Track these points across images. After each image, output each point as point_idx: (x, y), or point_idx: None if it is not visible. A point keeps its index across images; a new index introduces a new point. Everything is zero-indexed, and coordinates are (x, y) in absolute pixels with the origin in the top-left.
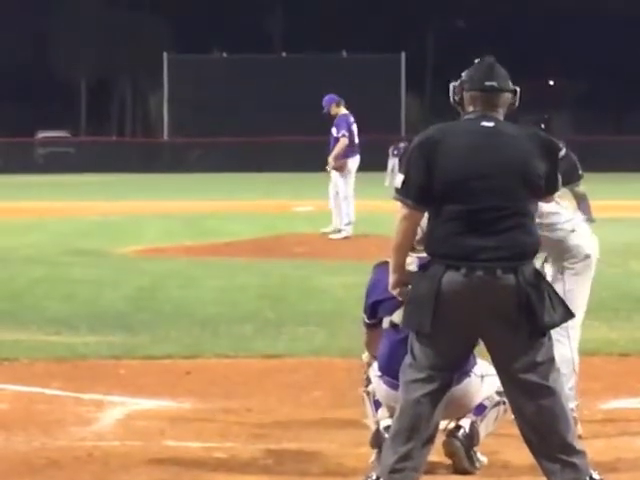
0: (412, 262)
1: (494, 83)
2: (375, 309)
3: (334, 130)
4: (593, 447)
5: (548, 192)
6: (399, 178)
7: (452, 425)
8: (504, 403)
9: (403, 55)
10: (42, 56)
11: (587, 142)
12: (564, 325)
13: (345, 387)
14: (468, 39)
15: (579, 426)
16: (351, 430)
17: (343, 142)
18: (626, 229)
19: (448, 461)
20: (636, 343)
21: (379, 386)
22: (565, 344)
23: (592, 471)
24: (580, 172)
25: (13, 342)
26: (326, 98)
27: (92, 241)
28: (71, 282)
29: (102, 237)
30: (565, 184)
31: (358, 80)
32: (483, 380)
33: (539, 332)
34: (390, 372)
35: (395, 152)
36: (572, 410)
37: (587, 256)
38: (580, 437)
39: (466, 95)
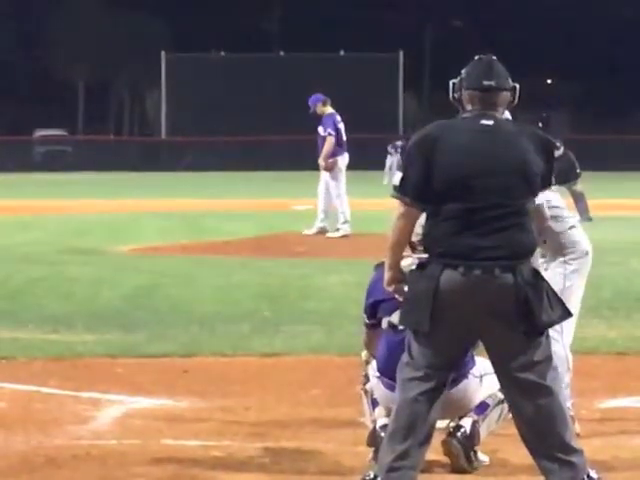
0: (413, 263)
1: (492, 82)
2: (375, 309)
3: (320, 129)
4: (591, 446)
5: (542, 189)
6: (397, 176)
7: (453, 424)
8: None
9: (401, 54)
10: (40, 55)
11: (585, 141)
12: None
13: (343, 385)
14: (466, 38)
15: (577, 424)
16: (349, 429)
17: (330, 141)
18: (625, 228)
19: (446, 460)
20: (635, 342)
21: (378, 387)
22: (559, 341)
23: (590, 470)
24: (578, 171)
25: (11, 340)
26: (312, 98)
27: (90, 239)
28: (69, 281)
29: (100, 235)
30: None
31: (356, 79)
32: (482, 380)
33: (537, 331)
34: (389, 373)
35: (392, 150)
36: (568, 409)
37: (586, 253)
38: (578, 435)
39: (465, 93)
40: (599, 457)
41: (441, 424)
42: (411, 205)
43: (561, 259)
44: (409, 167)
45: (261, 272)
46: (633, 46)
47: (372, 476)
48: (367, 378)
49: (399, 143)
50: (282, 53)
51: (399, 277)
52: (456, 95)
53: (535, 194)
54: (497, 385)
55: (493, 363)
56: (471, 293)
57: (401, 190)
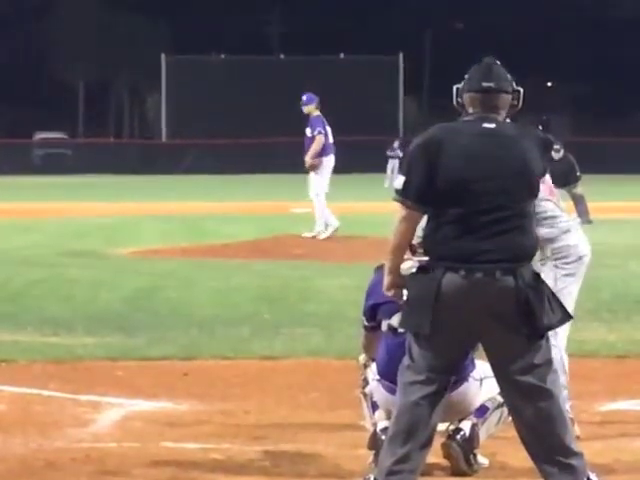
0: (413, 266)
1: (491, 84)
2: (374, 312)
3: (308, 130)
4: (591, 449)
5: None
6: (399, 179)
7: (452, 427)
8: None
9: (401, 56)
10: (40, 57)
11: (586, 144)
12: None
13: (342, 388)
14: (466, 40)
15: (576, 427)
16: (348, 432)
17: (319, 140)
18: (625, 230)
19: (445, 462)
20: (635, 345)
21: (378, 390)
22: (554, 344)
23: (590, 473)
24: (578, 174)
25: (11, 343)
26: (309, 96)
27: (89, 242)
28: (69, 283)
29: (99, 238)
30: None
31: (356, 82)
32: (482, 383)
33: (538, 334)
34: (389, 376)
35: (391, 153)
36: (567, 411)
37: (580, 257)
38: (578, 438)
39: (465, 96)
40: (599, 460)
41: (441, 427)
42: (413, 208)
43: (552, 263)
44: (411, 170)
45: (260, 275)
46: (634, 48)
47: (372, 479)
48: (366, 381)
49: (396, 144)
50: (282, 56)
51: (398, 281)
52: (460, 100)
53: (536, 196)
54: (497, 388)
55: (493, 366)
56: (472, 296)
57: (403, 193)
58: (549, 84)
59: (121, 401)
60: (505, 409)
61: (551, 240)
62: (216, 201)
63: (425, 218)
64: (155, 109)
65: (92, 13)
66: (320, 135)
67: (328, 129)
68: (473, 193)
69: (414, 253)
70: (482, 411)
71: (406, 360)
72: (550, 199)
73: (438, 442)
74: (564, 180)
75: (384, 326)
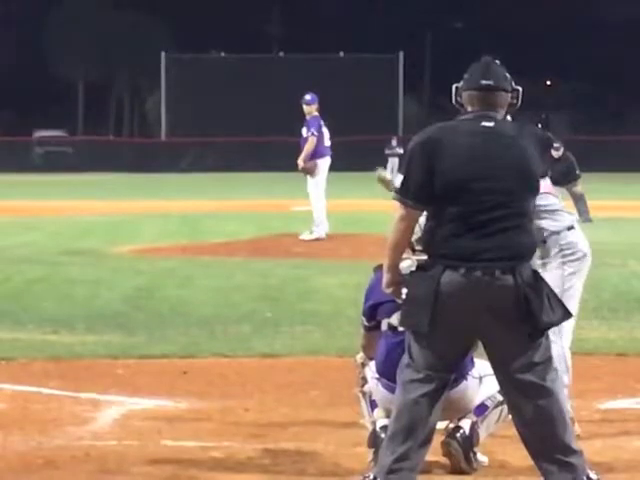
0: (412, 264)
1: (490, 82)
2: (374, 311)
3: (304, 130)
4: (591, 447)
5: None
6: (398, 178)
7: (452, 425)
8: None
9: (401, 55)
10: (40, 55)
11: (586, 142)
12: None
13: (342, 387)
14: (466, 39)
15: (577, 426)
16: (348, 430)
17: (312, 142)
18: (626, 229)
19: (445, 461)
20: (635, 343)
21: (377, 388)
22: (557, 342)
23: (589, 471)
24: (577, 172)
25: (10, 341)
26: (313, 96)
27: (89, 241)
28: (68, 282)
29: (99, 237)
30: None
31: (356, 80)
32: (481, 381)
33: (537, 332)
34: (388, 375)
35: (389, 151)
36: (568, 410)
37: (585, 254)
38: (578, 437)
39: (464, 95)
40: (599, 458)
41: (440, 425)
42: (412, 207)
43: (560, 260)
44: (410, 170)
45: (260, 273)
46: (633, 46)
47: (372, 477)
48: (365, 380)
49: (394, 142)
50: (282, 54)
51: (398, 279)
52: (459, 99)
53: (535, 194)
54: (496, 387)
55: (493, 364)
56: (472, 294)
57: (402, 192)
58: (548, 82)
59: (121, 399)
60: (505, 407)
61: (557, 234)
62: (216, 199)
63: (424, 217)
64: (155, 107)
65: (92, 11)
66: (313, 137)
67: (325, 130)
68: (472, 192)
69: (414, 252)
70: (482, 409)
71: (406, 358)
72: (554, 195)
73: (438, 440)
74: (564, 178)
75: (384, 325)
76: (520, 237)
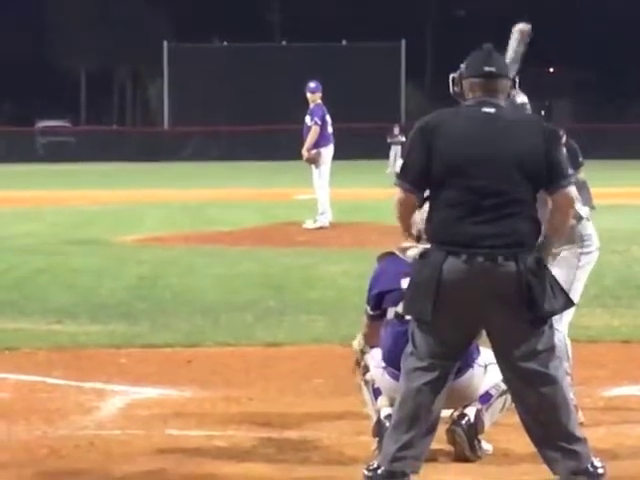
0: (418, 253)
1: (493, 69)
2: (380, 300)
3: (308, 119)
4: (594, 434)
5: (556, 181)
6: (399, 163)
7: (457, 413)
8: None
9: (403, 43)
10: (42, 45)
11: (588, 129)
12: None
13: (346, 375)
14: (468, 27)
15: (580, 413)
16: (352, 418)
17: (315, 131)
18: (628, 216)
19: (450, 449)
20: (638, 330)
21: (383, 377)
22: (559, 330)
23: (593, 458)
24: (580, 160)
25: (14, 331)
26: (318, 84)
27: (92, 230)
28: (72, 271)
29: (102, 226)
30: None
31: (358, 69)
32: (486, 370)
33: (540, 320)
34: (394, 363)
35: (392, 139)
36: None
37: (597, 249)
38: (582, 424)
39: (465, 82)
40: (603, 445)
41: (445, 413)
42: (410, 191)
43: (578, 251)
44: (409, 154)
45: (264, 262)
46: (635, 33)
47: (376, 466)
48: (366, 368)
49: (396, 130)
50: (284, 43)
51: (413, 238)
52: (456, 89)
53: (536, 183)
54: (501, 376)
55: (495, 352)
56: (474, 281)
57: (401, 177)
58: (551, 70)
59: (125, 388)
60: (509, 396)
61: (578, 219)
62: (219, 188)
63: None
64: (157, 96)
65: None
66: (316, 126)
67: (328, 118)
68: (468, 176)
69: (419, 240)
70: (486, 397)
71: (409, 347)
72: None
73: (442, 428)
74: None
75: (390, 314)
76: (521, 224)
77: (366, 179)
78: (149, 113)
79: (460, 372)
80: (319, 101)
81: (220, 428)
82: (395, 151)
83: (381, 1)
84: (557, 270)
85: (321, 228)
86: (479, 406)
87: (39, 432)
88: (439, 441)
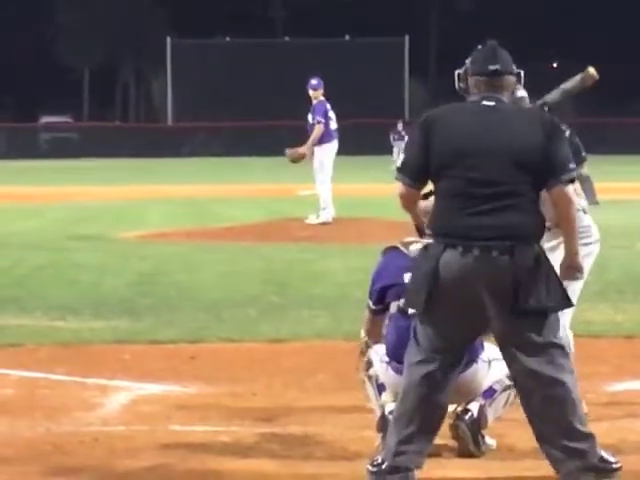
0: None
1: (497, 66)
2: (383, 294)
3: (310, 117)
4: (598, 429)
5: (556, 174)
6: (400, 158)
7: (460, 408)
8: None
9: (407, 38)
10: (45, 41)
11: (591, 124)
12: None
13: (349, 370)
14: (472, 22)
15: (584, 404)
16: (355, 413)
17: (318, 129)
18: (631, 211)
19: (454, 444)
20: None
21: (387, 372)
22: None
23: (602, 452)
24: (583, 154)
25: (18, 327)
26: (320, 81)
27: (95, 226)
28: (75, 267)
29: (105, 222)
30: None
31: (361, 64)
32: (490, 365)
33: (538, 314)
34: (398, 358)
35: (396, 136)
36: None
37: (597, 240)
38: (586, 415)
39: (470, 80)
40: (606, 440)
41: (449, 409)
42: (409, 185)
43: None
44: (408, 149)
45: (266, 258)
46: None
47: (380, 461)
48: (369, 363)
49: (400, 127)
50: (287, 38)
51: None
52: (462, 85)
53: (536, 176)
54: (504, 370)
55: (500, 348)
56: (470, 273)
57: (401, 171)
58: (554, 65)
59: (129, 384)
60: (512, 391)
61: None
62: (222, 184)
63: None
64: (160, 92)
65: None
66: (319, 125)
67: (331, 114)
68: (465, 167)
69: (422, 235)
70: (490, 393)
71: (412, 340)
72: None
73: (446, 423)
74: None
75: (393, 308)
76: (517, 217)
77: (369, 175)
78: (152, 109)
79: (464, 367)
80: (322, 98)
81: (224, 424)
82: (399, 147)
83: None
84: (556, 264)
85: (324, 224)
86: (482, 401)
87: (43, 428)
88: (443, 436)
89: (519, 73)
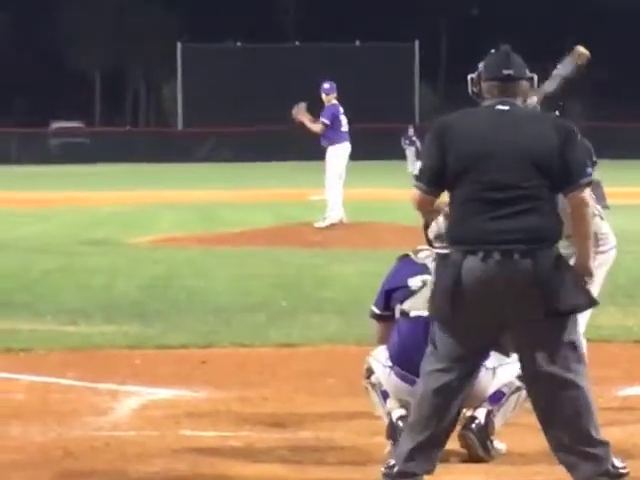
0: (430, 255)
1: (511, 71)
2: (388, 299)
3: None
4: (609, 434)
5: (572, 179)
6: (417, 165)
7: (468, 414)
8: (524, 389)
9: (417, 43)
10: (57, 46)
11: (602, 128)
12: None
13: (360, 375)
14: (482, 26)
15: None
16: (366, 418)
17: (318, 127)
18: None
19: (463, 449)
20: None
21: (389, 377)
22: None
23: (614, 459)
24: (594, 159)
25: (29, 332)
26: (332, 84)
27: (106, 231)
28: (86, 272)
29: (116, 227)
30: None
31: (372, 69)
32: (495, 372)
33: (560, 318)
34: (401, 363)
35: (407, 141)
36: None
37: (613, 247)
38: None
39: (484, 85)
40: (618, 446)
41: None
42: (426, 192)
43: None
44: (424, 155)
45: (277, 262)
46: None
47: (392, 464)
48: (370, 371)
49: (411, 131)
50: (298, 43)
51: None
52: (475, 89)
53: (553, 180)
54: (511, 374)
55: (517, 353)
56: (492, 278)
57: (418, 178)
58: None
59: (139, 389)
60: (522, 393)
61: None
62: (232, 189)
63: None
64: (171, 97)
65: (108, 1)
66: (322, 125)
67: (343, 118)
68: (481, 171)
69: (432, 246)
70: (498, 397)
71: (430, 347)
72: None
73: (455, 430)
74: None
75: (397, 312)
76: (537, 220)
77: (380, 179)
78: (163, 114)
79: None
80: (334, 101)
81: (234, 429)
82: (410, 152)
83: (395, 1)
84: None
85: (332, 225)
86: (489, 407)
87: (54, 433)
88: (451, 441)
89: (532, 77)
